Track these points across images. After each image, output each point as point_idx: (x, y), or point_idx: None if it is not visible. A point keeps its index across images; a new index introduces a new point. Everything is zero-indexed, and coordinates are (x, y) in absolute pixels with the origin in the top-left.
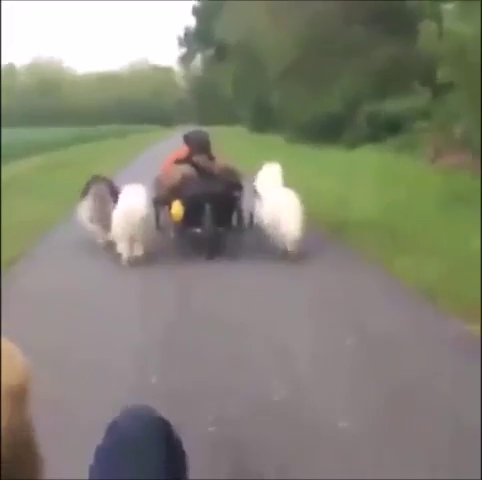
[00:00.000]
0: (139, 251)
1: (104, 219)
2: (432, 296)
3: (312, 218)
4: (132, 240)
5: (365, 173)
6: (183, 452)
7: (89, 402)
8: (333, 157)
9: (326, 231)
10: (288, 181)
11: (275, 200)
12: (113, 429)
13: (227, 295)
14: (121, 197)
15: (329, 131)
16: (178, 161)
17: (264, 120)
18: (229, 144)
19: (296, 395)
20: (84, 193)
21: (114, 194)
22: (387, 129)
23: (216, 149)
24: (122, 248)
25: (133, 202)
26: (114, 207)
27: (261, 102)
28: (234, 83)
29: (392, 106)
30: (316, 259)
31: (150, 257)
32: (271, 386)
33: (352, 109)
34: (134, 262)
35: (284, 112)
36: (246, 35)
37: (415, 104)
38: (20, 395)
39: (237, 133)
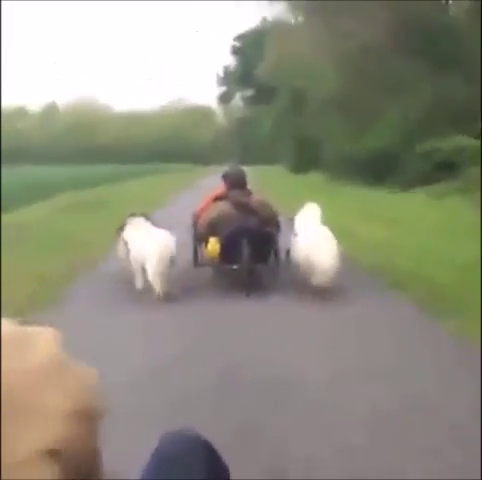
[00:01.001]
0: (169, 287)
1: None
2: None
3: (355, 263)
4: (163, 276)
5: (420, 220)
6: (227, 471)
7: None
8: (381, 199)
9: (372, 277)
10: (329, 224)
11: (310, 238)
12: (158, 451)
13: (262, 333)
14: (148, 235)
15: (375, 171)
16: (216, 198)
17: (305, 159)
18: (268, 184)
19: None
20: (121, 231)
21: None
22: (441, 171)
23: (254, 188)
24: (155, 284)
25: (166, 239)
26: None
27: (302, 140)
28: (274, 122)
29: (448, 145)
30: (353, 299)
31: (182, 293)
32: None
33: (401, 148)
34: (165, 298)
35: (326, 150)
36: (288, 72)
37: (474, 143)
38: (94, 418)
39: (277, 173)
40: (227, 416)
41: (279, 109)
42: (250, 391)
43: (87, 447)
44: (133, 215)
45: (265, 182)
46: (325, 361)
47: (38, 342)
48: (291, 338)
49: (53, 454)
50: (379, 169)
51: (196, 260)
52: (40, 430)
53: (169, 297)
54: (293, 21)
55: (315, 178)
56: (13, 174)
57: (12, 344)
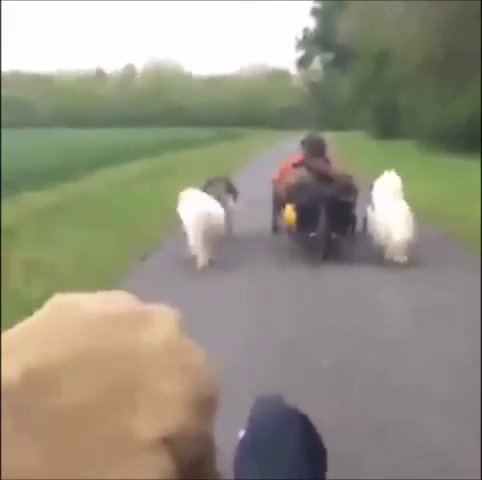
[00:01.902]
0: (212, 254)
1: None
2: None
3: (439, 235)
4: (207, 244)
5: None
6: (323, 447)
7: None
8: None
9: (456, 251)
10: (415, 196)
11: (385, 212)
12: (253, 422)
13: (337, 301)
14: (190, 202)
15: (470, 139)
16: (295, 164)
17: (390, 125)
18: (349, 151)
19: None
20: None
21: (232, 193)
22: None
23: (335, 155)
24: (199, 252)
25: (208, 205)
26: (232, 205)
27: (387, 105)
28: (356, 85)
29: None
30: (429, 271)
31: (254, 261)
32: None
33: None
34: (208, 266)
35: (415, 116)
36: (373, 35)
37: None
38: (210, 406)
39: (358, 139)
40: (303, 377)
41: (361, 73)
42: (319, 356)
43: (202, 436)
44: (214, 177)
45: (346, 149)
46: (397, 330)
47: (157, 321)
48: (362, 308)
49: (167, 443)
50: (475, 137)
51: (275, 225)
52: (154, 417)
53: (210, 266)
54: None
55: (401, 146)
56: (88, 138)
57: (129, 322)
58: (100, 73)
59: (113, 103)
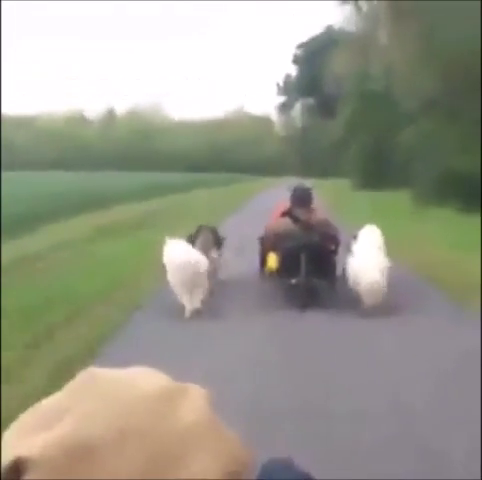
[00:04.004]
0: (197, 303)
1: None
2: None
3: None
4: (191, 292)
5: None
6: None
7: None
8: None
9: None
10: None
11: (361, 259)
12: None
13: (319, 347)
14: (175, 250)
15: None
16: (282, 214)
17: (379, 173)
18: (335, 201)
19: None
20: (190, 243)
21: (218, 242)
22: None
23: (318, 204)
24: (184, 300)
25: (190, 254)
26: (218, 254)
27: (377, 151)
28: (345, 129)
29: None
30: (404, 320)
31: (238, 306)
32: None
33: None
34: (195, 314)
35: (413, 164)
36: (367, 71)
37: None
38: None
39: (342, 188)
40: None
41: (348, 119)
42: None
43: None
44: (202, 226)
45: (331, 199)
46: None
47: (190, 399)
48: (337, 352)
49: None
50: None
51: (263, 271)
52: None
53: (197, 316)
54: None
55: (392, 197)
56: (70, 182)
57: (165, 399)
58: (82, 116)
59: (96, 146)
